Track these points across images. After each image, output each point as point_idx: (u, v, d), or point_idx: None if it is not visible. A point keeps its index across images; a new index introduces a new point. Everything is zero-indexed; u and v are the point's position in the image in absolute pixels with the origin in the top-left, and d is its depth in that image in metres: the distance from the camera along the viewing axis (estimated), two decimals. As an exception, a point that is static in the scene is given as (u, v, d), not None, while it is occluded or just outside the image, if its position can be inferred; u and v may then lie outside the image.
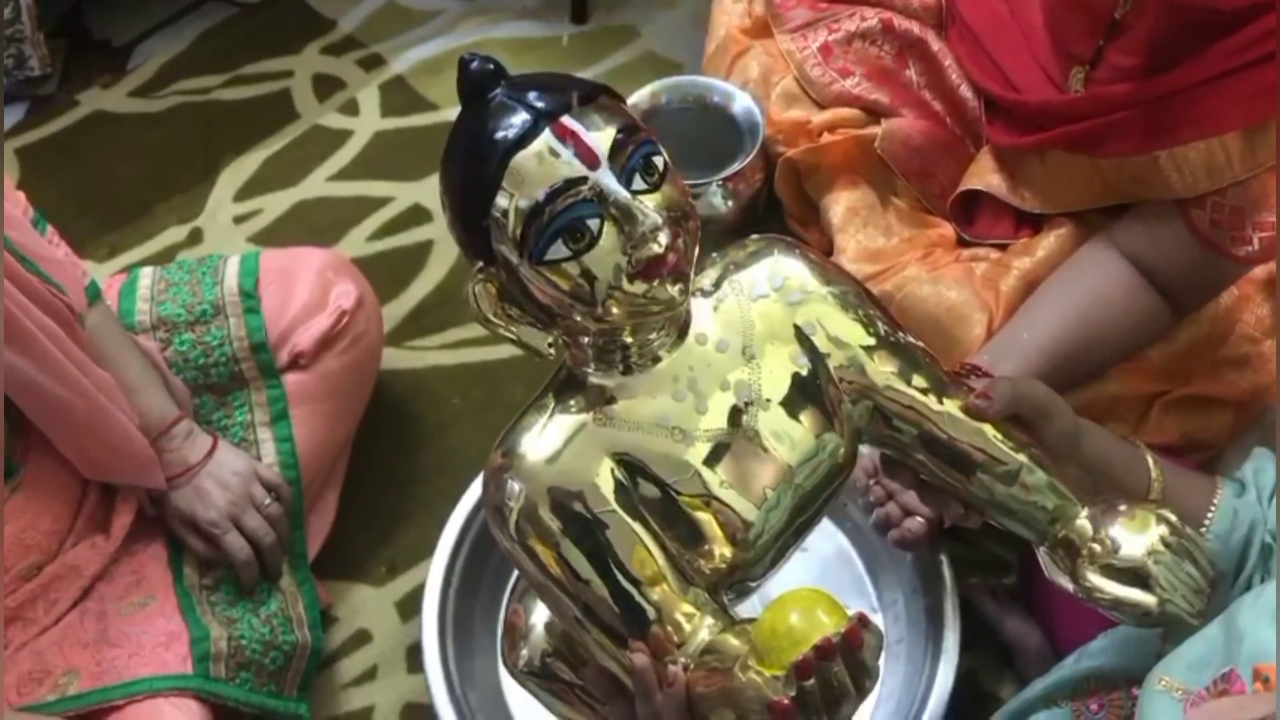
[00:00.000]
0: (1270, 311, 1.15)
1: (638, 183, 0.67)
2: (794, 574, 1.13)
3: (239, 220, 1.50)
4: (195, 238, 1.49)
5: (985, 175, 1.18)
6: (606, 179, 0.66)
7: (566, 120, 0.66)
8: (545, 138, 0.66)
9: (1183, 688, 0.67)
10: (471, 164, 0.67)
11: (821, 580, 1.15)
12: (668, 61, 1.61)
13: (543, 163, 0.65)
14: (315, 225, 1.48)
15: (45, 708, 0.91)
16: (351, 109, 1.61)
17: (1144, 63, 1.01)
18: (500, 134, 0.66)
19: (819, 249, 1.28)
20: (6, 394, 0.91)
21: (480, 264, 0.70)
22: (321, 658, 1.12)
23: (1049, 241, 1.14)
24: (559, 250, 0.66)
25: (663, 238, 0.66)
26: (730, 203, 1.32)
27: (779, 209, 1.33)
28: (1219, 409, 1.16)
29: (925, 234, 1.23)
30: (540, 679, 0.80)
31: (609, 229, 0.66)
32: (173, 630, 1.01)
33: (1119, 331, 1.07)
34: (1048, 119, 1.10)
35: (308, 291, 1.16)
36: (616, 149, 0.66)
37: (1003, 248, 1.18)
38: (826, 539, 1.17)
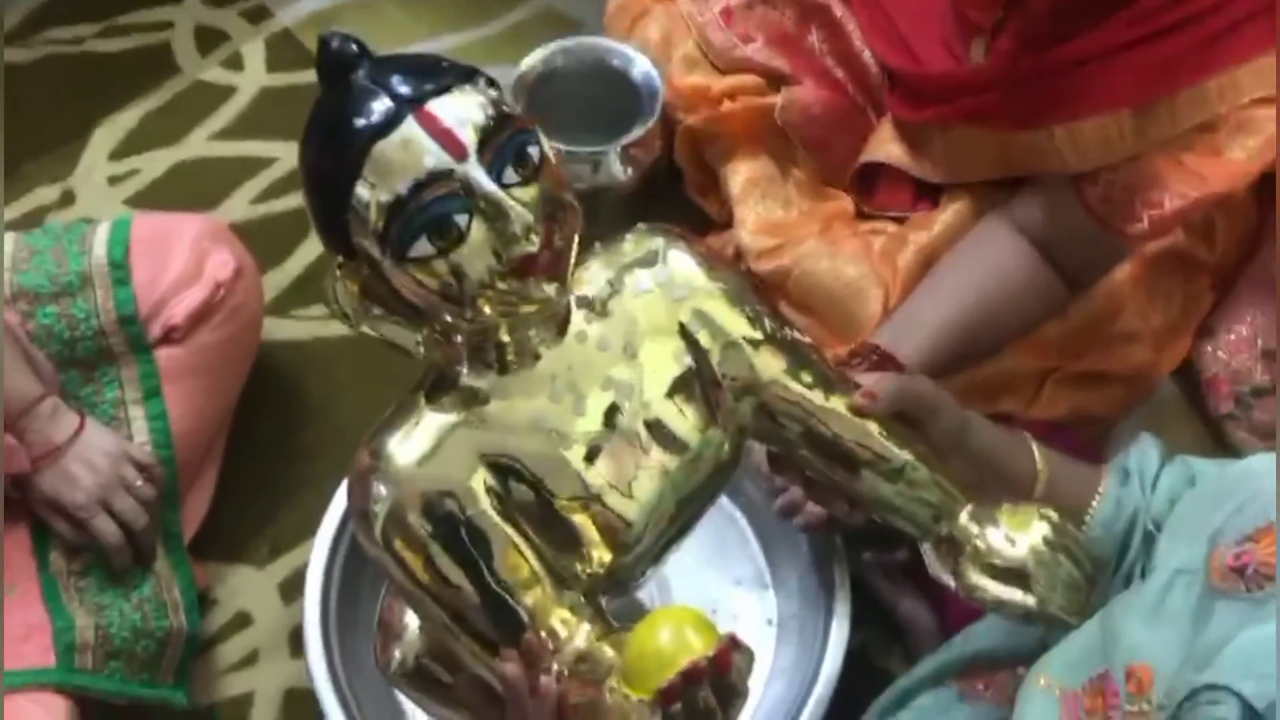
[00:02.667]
0: (1157, 292, 1.17)
1: (509, 175, 0.64)
2: (687, 549, 1.13)
3: (114, 181, 1.43)
4: (67, 199, 1.41)
5: (886, 146, 1.18)
6: (475, 171, 0.62)
7: (432, 107, 0.62)
8: (408, 126, 0.62)
9: (1061, 686, 0.67)
10: (330, 151, 0.64)
11: (714, 556, 1.14)
12: (567, 19, 1.57)
13: (406, 153, 0.62)
14: (196, 187, 1.41)
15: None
16: (235, 64, 1.53)
17: (1043, 33, 1.00)
18: (361, 120, 0.62)
19: (719, 219, 1.28)
20: None
21: (340, 257, 0.66)
22: (198, 643, 1.09)
23: (946, 215, 1.14)
24: (424, 247, 0.63)
25: (535, 236, 0.63)
26: (629, 170, 1.29)
27: (680, 177, 1.31)
28: (1110, 384, 1.18)
29: (824, 206, 1.22)
30: (414, 681, 0.78)
31: (478, 225, 0.63)
32: (33, 622, 0.96)
33: (1016, 307, 1.08)
34: (948, 91, 1.09)
35: (182, 262, 1.11)
36: (486, 139, 0.63)
37: (901, 221, 1.18)
38: (722, 515, 1.16)
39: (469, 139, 0.62)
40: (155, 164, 1.44)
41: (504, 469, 0.69)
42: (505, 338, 0.69)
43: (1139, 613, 0.65)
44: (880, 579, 1.13)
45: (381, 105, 0.62)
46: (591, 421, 0.71)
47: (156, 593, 1.05)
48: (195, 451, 1.13)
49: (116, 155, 1.45)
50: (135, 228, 1.11)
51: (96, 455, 1.03)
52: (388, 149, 0.62)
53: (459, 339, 0.69)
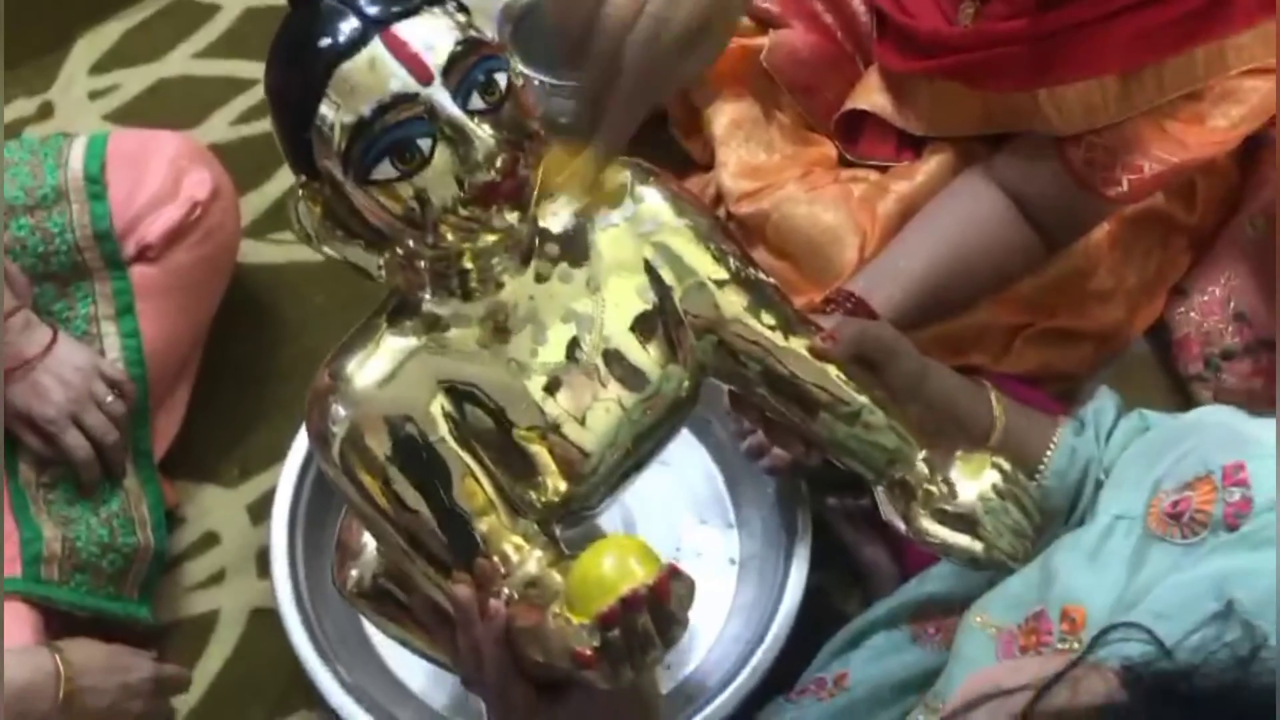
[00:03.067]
0: (1133, 251, 1.17)
1: (476, 101, 0.63)
2: (654, 488, 1.14)
3: (94, 96, 1.41)
4: (45, 112, 1.40)
5: (871, 95, 1.17)
6: (440, 95, 0.62)
7: (398, 29, 0.62)
8: (374, 47, 0.61)
9: (997, 625, 0.69)
10: (294, 70, 0.63)
11: (680, 494, 1.16)
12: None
13: (371, 74, 0.61)
14: (176, 105, 1.39)
15: None
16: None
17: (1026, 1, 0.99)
18: (326, 40, 0.62)
19: (702, 160, 1.27)
20: None
21: (304, 178, 0.66)
22: (165, 560, 1.10)
23: (929, 166, 1.14)
24: (386, 170, 0.62)
25: (499, 163, 0.62)
26: (614, 107, 1.28)
27: (664, 117, 1.30)
28: (1080, 341, 1.19)
29: (807, 151, 1.22)
30: (371, 600, 0.79)
31: (441, 150, 0.63)
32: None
33: (992, 261, 1.08)
34: (936, 47, 1.09)
35: (159, 180, 1.10)
36: (453, 63, 0.62)
37: (883, 170, 1.18)
38: (689, 453, 1.18)
39: (435, 63, 0.62)
40: (136, 80, 1.42)
41: (461, 395, 0.70)
42: (468, 265, 0.69)
43: (1077, 556, 0.66)
44: (843, 523, 1.14)
45: (348, 25, 0.62)
46: (551, 352, 0.72)
47: (125, 508, 1.05)
48: (167, 370, 1.13)
49: (97, 70, 1.43)
50: (112, 143, 1.10)
51: (68, 370, 1.03)
52: (353, 70, 0.61)
53: (422, 264, 0.69)
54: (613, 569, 0.60)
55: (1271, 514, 0.59)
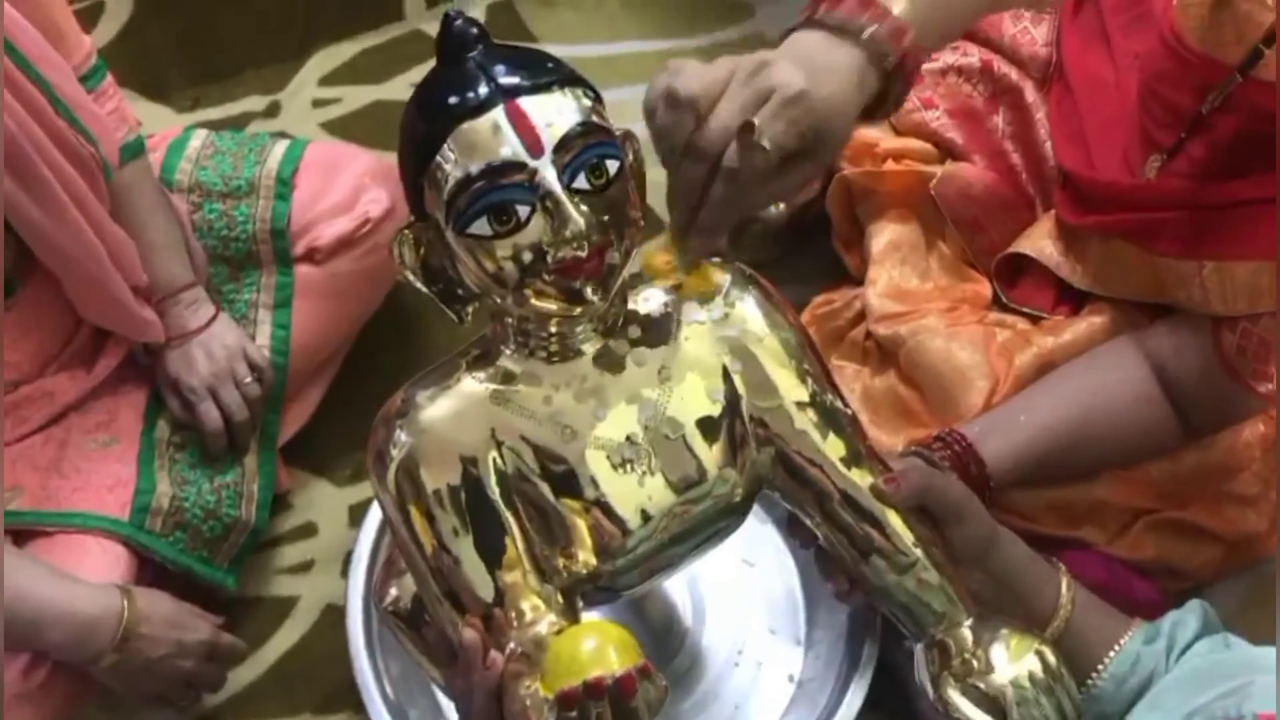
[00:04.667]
0: None
1: (581, 181, 0.66)
2: (733, 586, 1.14)
3: (317, 104, 1.52)
4: (272, 111, 1.52)
5: (1039, 241, 1.15)
6: (546, 169, 0.65)
7: (523, 102, 0.66)
8: (496, 113, 0.66)
9: None
10: (425, 118, 0.68)
11: (757, 599, 1.14)
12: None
13: (487, 138, 0.65)
14: (386, 126, 1.44)
15: (-17, 515, 0.96)
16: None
17: (1219, 163, 0.97)
18: (456, 98, 0.66)
19: (857, 275, 1.27)
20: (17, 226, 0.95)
21: (414, 219, 0.70)
22: (260, 537, 1.16)
23: (1080, 327, 1.11)
24: (482, 226, 0.66)
25: (587, 242, 0.65)
26: (781, 205, 1.28)
27: (829, 225, 1.31)
28: (1209, 543, 1.11)
29: (960, 287, 1.20)
30: (403, 620, 0.82)
31: (537, 219, 0.66)
32: (123, 476, 1.05)
33: (1120, 436, 1.04)
34: (1112, 202, 1.06)
35: (342, 191, 1.18)
36: (567, 142, 0.66)
37: (1034, 321, 1.15)
38: (776, 560, 1.16)
39: (549, 138, 0.65)
40: (357, 97, 1.53)
41: (514, 451, 0.72)
42: (551, 329, 0.71)
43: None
44: (910, 670, 1.10)
45: (482, 89, 0.66)
46: (610, 430, 0.73)
47: (237, 482, 1.12)
48: (308, 365, 1.20)
49: (326, 81, 1.55)
50: (309, 151, 1.19)
51: (217, 346, 1.11)
52: (473, 129, 0.65)
53: (509, 320, 0.72)
54: (588, 652, 0.61)
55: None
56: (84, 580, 0.95)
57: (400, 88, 1.54)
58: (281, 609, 1.18)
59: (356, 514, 1.22)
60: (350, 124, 1.50)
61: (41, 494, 1.01)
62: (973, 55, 1.24)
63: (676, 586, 1.12)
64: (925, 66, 1.24)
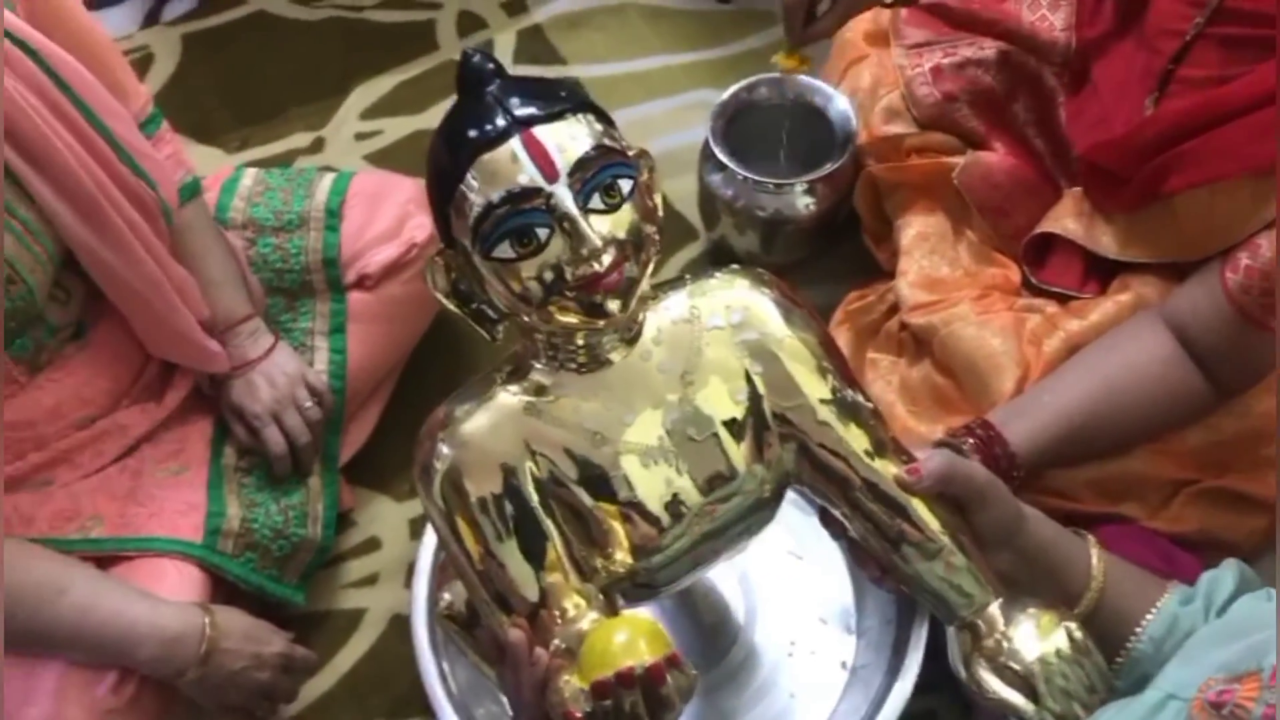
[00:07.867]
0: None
1: (596, 201, 0.70)
2: (783, 579, 1.17)
3: (360, 137, 1.58)
4: (317, 146, 1.58)
5: (1063, 219, 1.17)
6: (561, 193, 0.69)
7: (537, 131, 0.70)
8: (513, 144, 0.69)
9: None
10: (448, 150, 0.72)
11: (807, 590, 1.17)
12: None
13: (506, 167, 0.69)
14: (425, 155, 1.54)
15: (67, 544, 1.02)
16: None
17: (1206, 82, 1.01)
18: (475, 131, 0.70)
19: (888, 268, 1.29)
20: (89, 268, 1.01)
21: (444, 245, 0.74)
22: (327, 555, 1.21)
23: (1105, 306, 1.12)
24: (505, 250, 0.70)
25: (604, 258, 0.69)
26: (811, 206, 1.32)
27: (859, 221, 1.34)
28: (1253, 510, 1.10)
29: (988, 272, 1.22)
30: (458, 624, 0.86)
31: (557, 240, 0.70)
32: (194, 501, 1.10)
33: (1148, 402, 1.04)
34: (1126, 156, 1.08)
35: (388, 220, 1.23)
36: (580, 166, 0.69)
37: (1063, 302, 1.17)
38: (823, 551, 1.19)
39: (563, 163, 0.69)
40: (397, 128, 1.58)
41: (549, 459, 0.75)
42: (579, 342, 0.75)
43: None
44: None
45: (497, 121, 0.70)
46: (638, 434, 0.76)
47: (303, 503, 1.17)
48: (365, 387, 1.25)
49: (367, 115, 1.60)
50: (354, 182, 1.24)
51: (278, 374, 1.16)
52: (493, 159, 0.69)
53: (539, 336, 0.76)
54: (620, 644, 0.64)
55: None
56: (168, 599, 1.00)
57: (438, 116, 1.51)
58: (350, 621, 1.22)
59: (417, 527, 1.26)
60: (392, 154, 1.55)
61: (120, 522, 1.06)
62: (989, 48, 1.26)
63: (728, 584, 1.15)
64: (945, 60, 1.27)
